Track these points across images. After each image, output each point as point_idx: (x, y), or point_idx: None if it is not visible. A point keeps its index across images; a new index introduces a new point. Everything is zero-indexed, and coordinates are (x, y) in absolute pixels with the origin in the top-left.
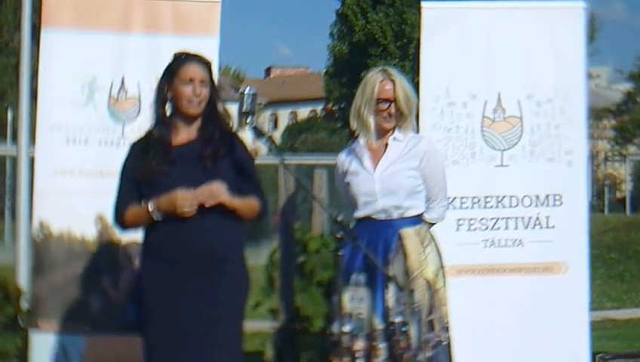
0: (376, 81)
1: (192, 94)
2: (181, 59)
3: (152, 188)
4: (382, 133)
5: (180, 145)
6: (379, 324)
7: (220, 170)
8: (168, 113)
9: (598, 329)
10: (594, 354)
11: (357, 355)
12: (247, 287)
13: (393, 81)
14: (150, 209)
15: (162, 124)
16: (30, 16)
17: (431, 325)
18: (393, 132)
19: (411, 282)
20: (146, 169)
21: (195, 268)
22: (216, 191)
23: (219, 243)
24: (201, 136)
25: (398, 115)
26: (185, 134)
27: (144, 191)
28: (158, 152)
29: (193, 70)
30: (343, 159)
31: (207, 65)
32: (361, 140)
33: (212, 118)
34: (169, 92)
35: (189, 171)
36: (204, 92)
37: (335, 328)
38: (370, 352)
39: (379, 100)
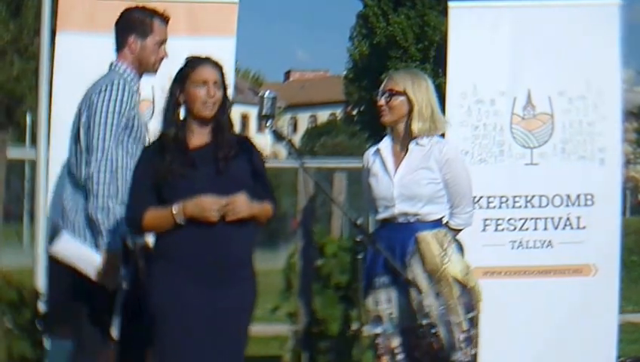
0: None
1: (207, 96)
2: (194, 62)
3: (173, 190)
4: (403, 135)
5: (197, 148)
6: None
7: (236, 173)
8: (182, 116)
9: (619, 333)
10: (616, 358)
11: (396, 351)
12: (256, 292)
13: (390, 77)
14: (175, 212)
15: (177, 126)
16: (50, 20)
17: (473, 322)
18: (410, 135)
19: (436, 285)
20: (167, 171)
21: (214, 274)
22: (240, 206)
23: (237, 250)
24: (214, 139)
25: (391, 108)
26: (200, 137)
27: (164, 194)
28: (176, 154)
29: (207, 72)
30: (368, 156)
31: (219, 67)
32: (387, 141)
33: (224, 120)
34: (182, 95)
35: (208, 174)
36: (218, 94)
37: (369, 330)
38: (409, 346)
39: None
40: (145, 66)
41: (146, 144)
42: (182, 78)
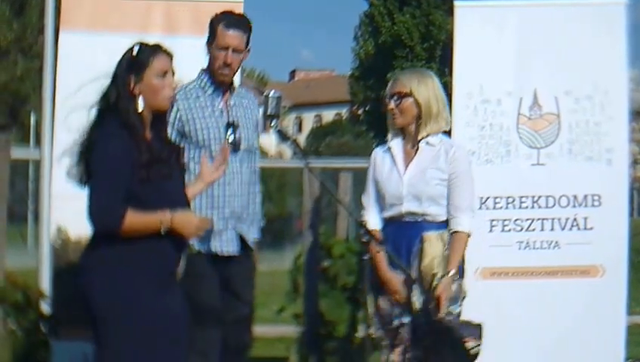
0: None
1: (170, 87)
2: (151, 50)
3: (157, 191)
4: (414, 134)
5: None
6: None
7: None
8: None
9: (626, 335)
10: (624, 360)
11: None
12: None
13: (396, 79)
14: (162, 219)
15: (140, 121)
16: (54, 19)
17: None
18: (418, 133)
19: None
20: (156, 169)
21: (174, 281)
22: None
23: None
24: (155, 136)
25: (401, 111)
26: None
27: (143, 192)
28: (152, 151)
29: (166, 62)
30: (378, 154)
31: (171, 56)
32: (399, 139)
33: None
34: (139, 85)
35: (179, 176)
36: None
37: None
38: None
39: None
40: (212, 73)
41: (116, 120)
42: (139, 67)
